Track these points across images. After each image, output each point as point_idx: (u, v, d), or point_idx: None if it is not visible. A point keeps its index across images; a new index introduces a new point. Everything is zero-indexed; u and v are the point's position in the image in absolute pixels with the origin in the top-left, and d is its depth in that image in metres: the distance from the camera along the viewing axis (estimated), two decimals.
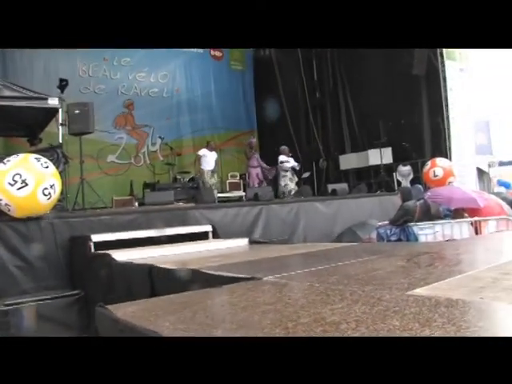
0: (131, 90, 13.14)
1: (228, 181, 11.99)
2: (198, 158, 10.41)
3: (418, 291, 1.85)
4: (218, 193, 10.09)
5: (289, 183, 10.36)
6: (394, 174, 11.34)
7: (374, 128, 11.78)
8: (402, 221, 6.36)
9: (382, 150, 11.29)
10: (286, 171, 10.52)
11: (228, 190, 11.50)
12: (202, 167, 10.23)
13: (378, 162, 11.39)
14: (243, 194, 10.98)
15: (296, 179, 10.74)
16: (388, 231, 6.31)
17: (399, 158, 11.36)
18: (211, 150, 10.46)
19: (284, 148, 10.95)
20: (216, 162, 10.45)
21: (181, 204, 8.35)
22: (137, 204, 9.44)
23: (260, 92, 15.57)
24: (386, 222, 6.78)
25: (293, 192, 10.21)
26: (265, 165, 11.08)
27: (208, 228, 6.26)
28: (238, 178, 12.14)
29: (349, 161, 12.62)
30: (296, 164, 10.85)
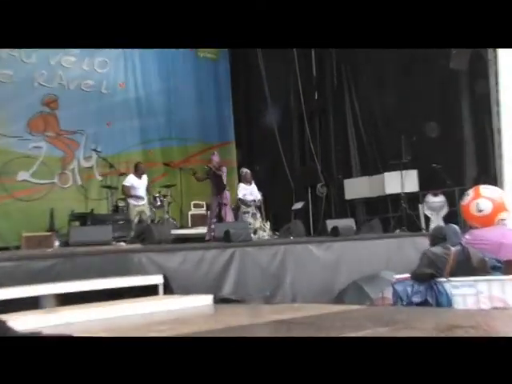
0: (54, 80, 12.90)
1: (190, 212, 11.95)
2: (127, 190, 10.11)
3: None
4: (174, 229, 9.99)
5: (252, 221, 10.07)
6: (421, 206, 11.39)
7: (392, 143, 11.85)
8: (429, 274, 6.32)
9: (404, 173, 11.37)
10: (248, 206, 10.30)
11: (190, 225, 11.43)
12: (130, 200, 9.95)
13: (399, 190, 11.45)
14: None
15: (259, 214, 10.47)
16: (409, 288, 6.26)
17: (428, 185, 11.42)
18: (140, 175, 10.16)
19: (246, 173, 10.72)
20: (147, 189, 10.13)
21: (122, 244, 8.26)
22: (57, 243, 9.30)
23: (238, 91, 15.74)
24: (407, 276, 6.74)
25: (258, 233, 9.97)
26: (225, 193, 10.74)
27: (158, 279, 6.27)
28: (204, 208, 12.06)
29: (357, 187, 12.70)
30: (258, 196, 10.48)
